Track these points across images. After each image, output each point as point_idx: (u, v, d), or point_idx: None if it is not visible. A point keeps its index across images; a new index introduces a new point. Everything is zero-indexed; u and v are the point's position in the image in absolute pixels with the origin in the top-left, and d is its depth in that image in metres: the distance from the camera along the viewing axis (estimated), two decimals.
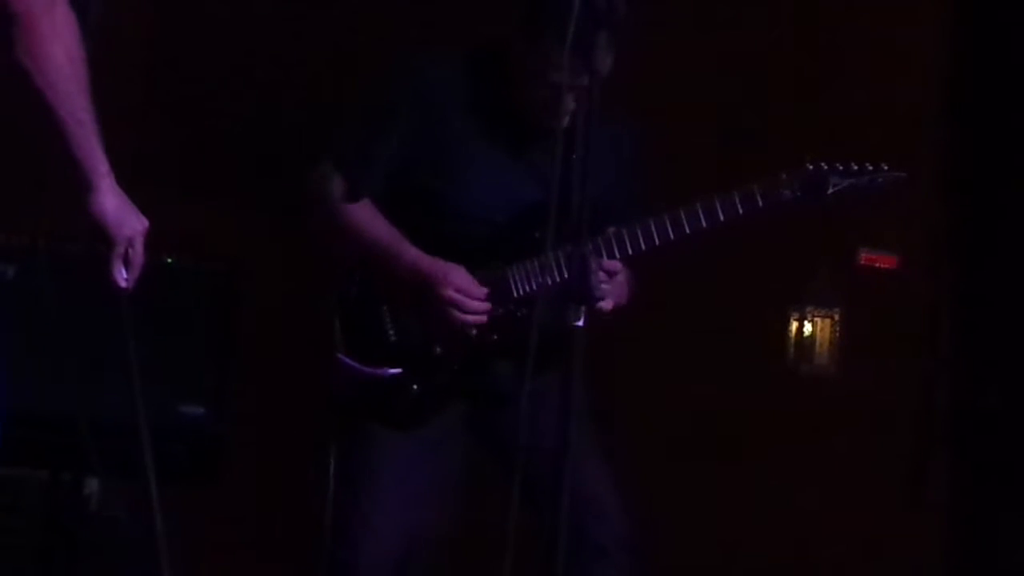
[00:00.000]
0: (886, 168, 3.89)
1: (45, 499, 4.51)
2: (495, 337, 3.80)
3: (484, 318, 3.78)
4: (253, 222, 5.04)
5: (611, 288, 3.76)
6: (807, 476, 5.26)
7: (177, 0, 5.28)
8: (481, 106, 3.83)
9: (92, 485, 4.59)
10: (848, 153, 3.91)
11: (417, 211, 3.82)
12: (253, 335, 4.85)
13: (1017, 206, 5.30)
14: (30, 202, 3.78)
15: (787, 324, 5.23)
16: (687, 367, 5.20)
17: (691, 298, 5.15)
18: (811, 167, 3.84)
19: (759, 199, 3.79)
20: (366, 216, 3.82)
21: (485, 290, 3.78)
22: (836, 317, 5.20)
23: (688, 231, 3.78)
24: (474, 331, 3.78)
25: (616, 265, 3.79)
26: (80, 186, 2.82)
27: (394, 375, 3.81)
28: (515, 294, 3.79)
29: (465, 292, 3.76)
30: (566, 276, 3.21)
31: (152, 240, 2.95)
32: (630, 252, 3.79)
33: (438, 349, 3.81)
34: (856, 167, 3.86)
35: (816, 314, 5.20)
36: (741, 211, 3.78)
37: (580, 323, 2.97)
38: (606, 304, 3.69)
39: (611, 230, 3.76)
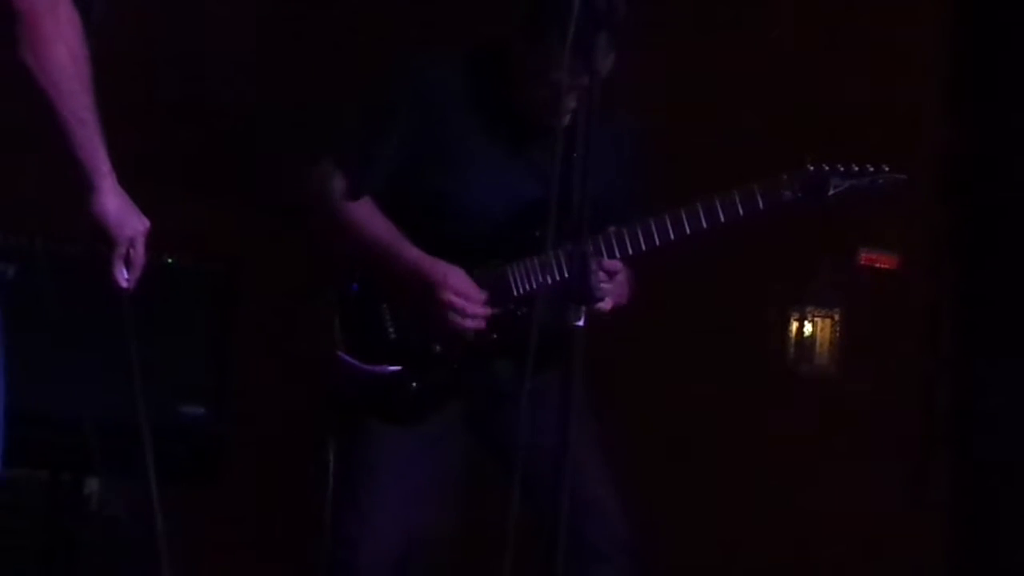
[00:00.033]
0: (887, 170, 3.88)
1: (45, 499, 4.51)
2: (494, 336, 3.80)
3: (482, 323, 3.78)
4: (253, 222, 5.04)
5: (611, 288, 3.76)
6: (807, 476, 5.26)
7: (178, 0, 5.28)
8: (482, 105, 3.83)
9: (92, 485, 4.59)
10: (848, 153, 3.91)
11: (418, 210, 3.82)
12: (253, 335, 4.85)
13: (1017, 206, 5.30)
14: (31, 202, 3.79)
15: (787, 324, 5.23)
16: (687, 367, 5.20)
17: (691, 298, 5.15)
18: (812, 168, 3.84)
19: (759, 200, 3.79)
20: (366, 215, 3.82)
21: (484, 295, 3.78)
22: (836, 317, 5.20)
23: (688, 231, 3.78)
24: (472, 334, 3.78)
25: (616, 265, 3.79)
26: (82, 186, 2.81)
27: (393, 373, 3.81)
28: (515, 293, 3.79)
29: (464, 296, 3.76)
30: (566, 276, 3.21)
31: (152, 240, 2.95)
32: (630, 252, 3.79)
33: (437, 347, 3.82)
34: (857, 168, 3.86)
35: (816, 314, 5.21)
36: (741, 212, 3.78)
37: (580, 323, 2.97)
38: (605, 304, 3.69)
39: (611, 230, 3.76)
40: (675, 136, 4.86)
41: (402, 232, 3.81)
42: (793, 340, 5.24)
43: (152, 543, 3.35)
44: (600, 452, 3.81)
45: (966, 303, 5.42)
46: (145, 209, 2.94)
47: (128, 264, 2.92)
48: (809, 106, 5.26)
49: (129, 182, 2.90)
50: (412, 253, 3.79)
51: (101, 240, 2.87)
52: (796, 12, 5.35)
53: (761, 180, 3.81)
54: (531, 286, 3.77)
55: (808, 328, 5.22)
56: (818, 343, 5.22)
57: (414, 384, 3.82)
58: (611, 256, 3.77)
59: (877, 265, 4.32)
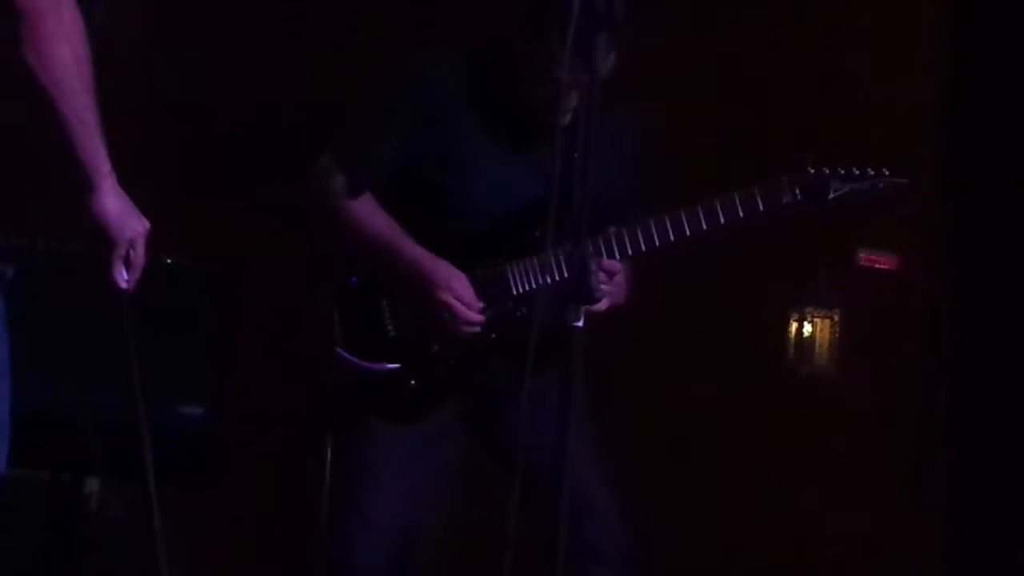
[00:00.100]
0: (887, 173, 3.88)
1: (45, 499, 4.51)
2: (493, 336, 3.80)
3: (477, 328, 3.78)
4: (253, 222, 5.04)
5: (610, 288, 3.76)
6: (807, 476, 5.26)
7: (177, 0, 5.28)
8: (482, 104, 3.83)
9: (92, 485, 4.59)
10: (848, 153, 3.90)
11: (419, 207, 3.83)
12: (253, 335, 4.85)
13: (1017, 206, 5.29)
14: (31, 202, 3.79)
15: (787, 325, 5.22)
16: (687, 367, 5.20)
17: (691, 298, 5.15)
18: (812, 171, 3.84)
19: (759, 202, 3.79)
20: (367, 211, 3.82)
21: (480, 304, 3.78)
22: (836, 318, 5.19)
23: (688, 233, 3.78)
24: (468, 336, 3.79)
25: (616, 265, 3.79)
26: (82, 187, 2.81)
27: (392, 370, 3.82)
28: (514, 292, 3.79)
29: (461, 300, 3.76)
30: (566, 276, 3.21)
31: (152, 240, 2.95)
32: (630, 252, 3.79)
33: (436, 347, 3.82)
34: (858, 172, 3.85)
35: (816, 315, 5.20)
36: (741, 214, 3.78)
37: (580, 324, 2.97)
38: (601, 304, 3.69)
39: (611, 230, 3.76)
40: (675, 136, 4.85)
41: (403, 229, 3.81)
42: (793, 341, 5.23)
43: (151, 543, 3.34)
44: (599, 453, 3.81)
45: (966, 303, 5.42)
46: (145, 209, 2.94)
47: (128, 265, 2.92)
48: (809, 106, 5.25)
49: (129, 182, 2.89)
50: (414, 251, 3.79)
51: (101, 241, 2.87)
52: (796, 12, 5.35)
53: (761, 182, 3.81)
54: (531, 286, 3.77)
55: (808, 328, 5.21)
56: (818, 343, 5.21)
57: (413, 382, 3.82)
58: (611, 256, 3.78)
59: (877, 265, 4.31)
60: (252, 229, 5.02)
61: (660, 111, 4.60)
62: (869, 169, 3.86)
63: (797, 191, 3.81)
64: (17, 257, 4.20)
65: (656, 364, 5.18)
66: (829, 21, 5.33)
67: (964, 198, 5.41)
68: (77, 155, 2.77)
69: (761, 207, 3.79)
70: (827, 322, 5.20)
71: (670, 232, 3.78)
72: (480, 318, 3.78)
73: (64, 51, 2.68)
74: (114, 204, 2.85)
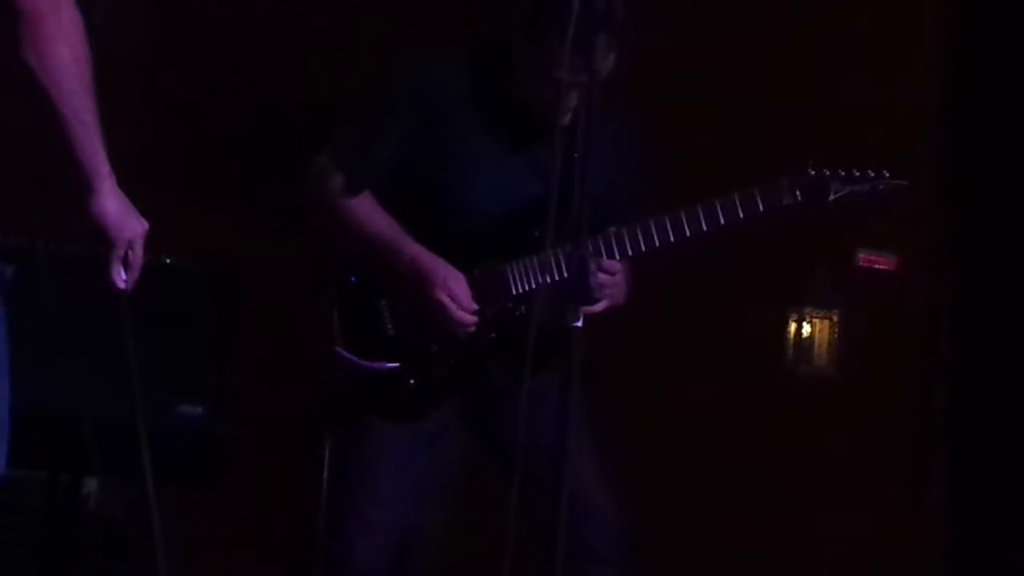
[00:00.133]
0: (887, 175, 3.88)
1: (44, 499, 4.51)
2: (493, 335, 3.81)
3: (471, 328, 3.78)
4: (253, 222, 5.04)
5: (609, 289, 3.76)
6: (807, 476, 5.26)
7: (177, 0, 5.28)
8: (483, 103, 3.83)
9: (91, 485, 4.59)
10: (848, 153, 3.90)
11: (419, 207, 3.83)
12: (253, 335, 4.85)
13: (1017, 206, 5.29)
14: (31, 202, 3.79)
15: (786, 325, 5.22)
16: (687, 367, 5.20)
17: (691, 298, 5.15)
18: (813, 173, 3.84)
19: (759, 203, 3.79)
20: (367, 210, 3.83)
21: (475, 304, 3.78)
22: (835, 318, 5.19)
23: (688, 233, 3.78)
24: (464, 336, 3.79)
25: (615, 265, 3.80)
26: (81, 188, 2.81)
27: (392, 369, 3.82)
28: (514, 291, 3.79)
29: (455, 298, 3.76)
30: (565, 275, 3.21)
31: (152, 240, 2.95)
32: (629, 253, 3.80)
33: (434, 346, 3.82)
34: (858, 174, 3.85)
35: (815, 315, 5.20)
36: (741, 214, 3.78)
37: (579, 324, 2.97)
38: (599, 304, 3.69)
39: (611, 230, 3.76)
40: (675, 136, 4.85)
41: (403, 228, 3.81)
42: (792, 341, 5.23)
43: (150, 543, 3.34)
44: (597, 453, 3.81)
45: (966, 303, 5.41)
46: (145, 209, 2.94)
47: (126, 266, 2.92)
48: (809, 106, 5.25)
49: (129, 182, 2.89)
50: (413, 249, 3.79)
51: (100, 241, 2.87)
52: (796, 12, 5.35)
53: (761, 183, 3.81)
54: (530, 285, 3.77)
55: (807, 329, 5.21)
56: (817, 344, 5.21)
57: (412, 381, 3.82)
58: (610, 256, 3.78)
59: (876, 266, 4.30)
60: (252, 229, 5.01)
61: (660, 111, 4.60)
62: (869, 171, 3.86)
63: (797, 192, 3.81)
64: (17, 257, 4.22)
65: (656, 364, 5.18)
66: (829, 21, 5.33)
67: (964, 199, 5.41)
68: (77, 156, 2.77)
69: (761, 208, 3.79)
70: (826, 322, 5.21)
71: (670, 232, 3.78)
72: (473, 319, 3.78)
73: (64, 52, 2.68)
74: (113, 205, 2.85)
